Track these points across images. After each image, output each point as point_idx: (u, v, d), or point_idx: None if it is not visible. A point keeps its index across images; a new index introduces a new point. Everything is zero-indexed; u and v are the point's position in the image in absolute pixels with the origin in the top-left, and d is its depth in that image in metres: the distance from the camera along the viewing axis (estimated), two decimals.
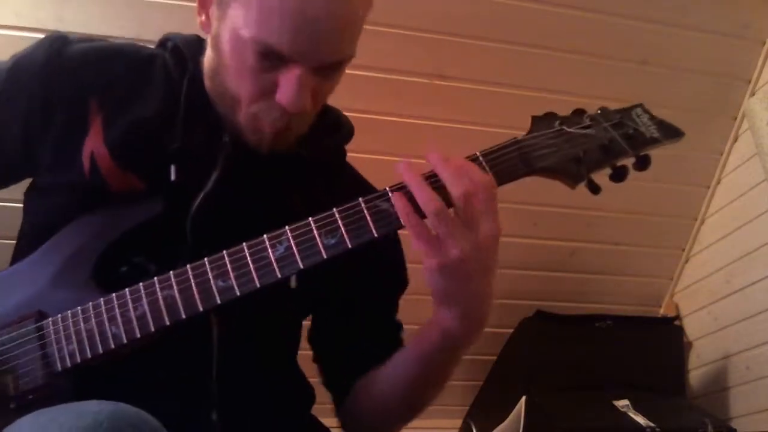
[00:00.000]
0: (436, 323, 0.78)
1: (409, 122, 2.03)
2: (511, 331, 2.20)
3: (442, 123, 2.05)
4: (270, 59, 0.78)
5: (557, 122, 0.81)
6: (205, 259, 0.76)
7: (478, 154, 0.77)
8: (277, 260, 0.75)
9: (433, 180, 0.73)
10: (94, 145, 0.84)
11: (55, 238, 0.82)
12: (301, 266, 0.75)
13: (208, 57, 0.89)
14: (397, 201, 0.72)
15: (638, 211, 2.22)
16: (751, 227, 2.10)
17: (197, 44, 0.93)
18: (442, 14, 1.92)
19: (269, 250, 0.75)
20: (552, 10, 1.95)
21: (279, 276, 0.75)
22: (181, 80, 0.89)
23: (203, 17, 0.86)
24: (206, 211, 0.84)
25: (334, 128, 1.00)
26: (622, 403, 1.94)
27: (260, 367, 0.89)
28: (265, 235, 0.76)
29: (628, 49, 2.04)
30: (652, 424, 1.84)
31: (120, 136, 0.85)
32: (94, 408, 0.61)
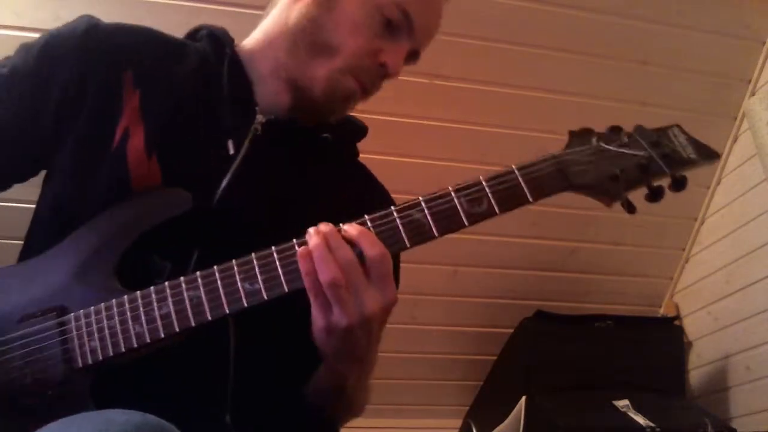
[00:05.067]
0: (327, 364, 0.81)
1: (409, 122, 2.03)
2: (511, 331, 2.21)
3: (442, 123, 2.06)
4: (392, 29, 0.90)
5: (595, 139, 0.81)
6: (233, 261, 0.75)
7: (513, 167, 0.78)
8: None
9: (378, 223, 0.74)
10: (129, 121, 0.85)
11: (79, 230, 0.81)
12: None
13: (299, 12, 0.92)
14: (301, 260, 0.72)
15: (638, 210, 2.21)
16: (751, 227, 2.10)
17: (228, 34, 0.97)
18: (442, 14, 1.92)
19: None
20: (552, 10, 1.96)
21: None
22: (219, 64, 0.92)
23: None
24: (234, 191, 0.85)
25: (350, 127, 1.04)
26: (622, 403, 1.94)
27: (277, 370, 0.88)
28: (294, 240, 0.75)
29: (628, 49, 2.05)
30: (652, 424, 1.84)
31: (159, 120, 0.86)
32: (120, 418, 0.60)
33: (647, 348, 2.19)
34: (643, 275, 2.41)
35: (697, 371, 2.28)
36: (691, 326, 2.32)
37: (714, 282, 2.24)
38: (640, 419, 1.87)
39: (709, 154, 0.83)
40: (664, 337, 2.26)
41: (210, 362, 0.82)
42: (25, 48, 0.88)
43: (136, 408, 0.62)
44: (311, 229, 0.73)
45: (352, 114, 1.03)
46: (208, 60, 0.93)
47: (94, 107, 0.85)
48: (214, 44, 0.94)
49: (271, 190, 0.89)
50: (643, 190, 0.82)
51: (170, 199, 0.81)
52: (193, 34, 0.99)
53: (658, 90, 2.10)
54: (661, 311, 2.44)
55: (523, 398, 1.94)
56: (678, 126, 0.85)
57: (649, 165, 0.80)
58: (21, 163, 0.89)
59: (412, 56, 0.95)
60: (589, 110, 2.06)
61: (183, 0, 1.75)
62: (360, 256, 0.72)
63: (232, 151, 0.86)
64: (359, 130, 1.04)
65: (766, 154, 1.96)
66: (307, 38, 0.91)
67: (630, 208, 0.81)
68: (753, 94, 2.13)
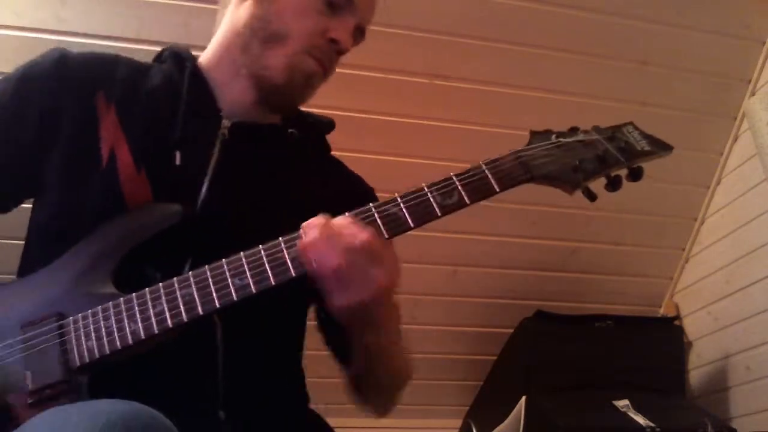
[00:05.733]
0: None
1: (409, 122, 2.03)
2: (511, 331, 2.21)
3: (442, 123, 2.06)
4: (334, 7, 0.94)
5: (554, 135, 0.89)
6: (223, 260, 0.79)
7: (481, 163, 0.84)
8: (291, 260, 0.79)
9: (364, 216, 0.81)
10: (113, 137, 0.90)
11: (77, 246, 0.85)
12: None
13: (245, 14, 0.97)
14: (308, 251, 0.78)
15: (638, 211, 2.22)
16: (751, 227, 2.10)
17: (190, 52, 1.01)
18: (442, 14, 1.92)
19: (284, 251, 0.80)
20: (552, 10, 1.96)
21: (293, 274, 0.79)
22: (182, 77, 0.96)
23: None
24: (214, 196, 0.89)
25: (315, 121, 1.09)
26: (622, 403, 1.95)
27: (266, 365, 0.91)
28: (280, 238, 0.80)
29: (628, 49, 2.05)
30: (652, 424, 1.84)
31: (138, 132, 0.91)
32: (107, 407, 0.61)
33: (647, 348, 2.18)
34: (643, 275, 2.41)
35: (697, 371, 2.28)
36: (691, 326, 2.33)
37: (714, 282, 2.24)
38: (640, 419, 1.87)
39: (662, 147, 0.90)
40: (664, 337, 2.26)
41: (200, 358, 0.85)
42: (5, 80, 0.94)
43: None
44: (305, 224, 0.79)
45: (313, 111, 1.07)
46: (172, 77, 0.97)
47: (72, 127, 0.90)
48: (178, 62, 0.99)
49: (250, 191, 0.93)
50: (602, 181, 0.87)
51: (162, 213, 0.86)
52: (159, 57, 1.04)
53: (658, 90, 2.10)
54: (661, 311, 2.44)
55: (523, 398, 1.94)
56: (632, 123, 0.93)
57: (606, 156, 0.86)
58: (8, 184, 0.93)
59: (359, 33, 1.00)
60: (589, 110, 2.06)
61: (183, 0, 1.75)
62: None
63: (178, 162, 0.90)
64: (324, 125, 1.08)
65: (766, 154, 1.96)
66: (258, 34, 0.95)
67: (590, 196, 0.86)
68: (753, 94, 2.13)
